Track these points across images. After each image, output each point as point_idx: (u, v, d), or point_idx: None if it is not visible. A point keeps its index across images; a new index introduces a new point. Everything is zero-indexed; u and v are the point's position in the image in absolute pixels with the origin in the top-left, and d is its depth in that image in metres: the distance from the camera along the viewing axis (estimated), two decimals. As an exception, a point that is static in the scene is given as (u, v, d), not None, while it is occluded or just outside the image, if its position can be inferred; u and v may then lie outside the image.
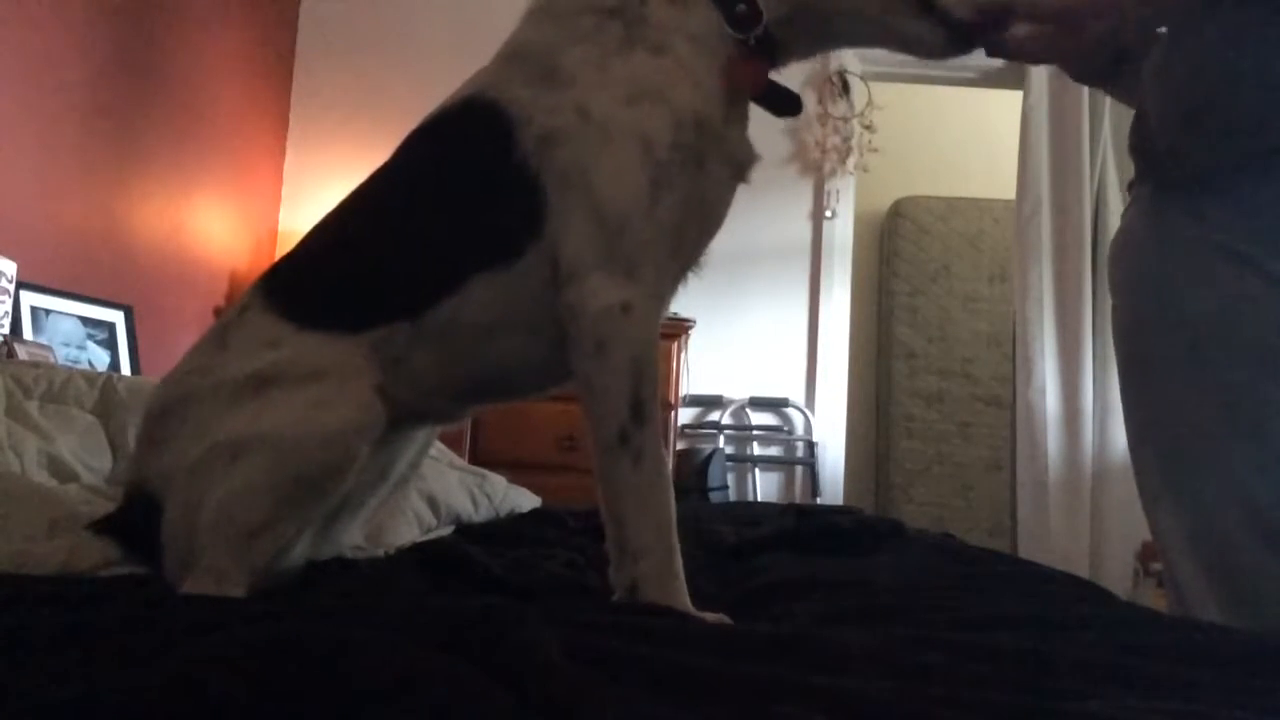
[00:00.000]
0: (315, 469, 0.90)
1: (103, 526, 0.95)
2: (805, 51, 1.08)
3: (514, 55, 1.01)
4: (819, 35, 1.07)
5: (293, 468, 0.89)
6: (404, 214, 1.00)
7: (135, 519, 0.94)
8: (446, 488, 1.69)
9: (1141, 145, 1.34)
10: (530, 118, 0.94)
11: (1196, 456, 1.22)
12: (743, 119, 1.03)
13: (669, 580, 0.92)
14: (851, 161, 3.85)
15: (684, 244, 0.98)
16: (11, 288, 2.19)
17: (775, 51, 1.02)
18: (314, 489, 0.92)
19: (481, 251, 0.95)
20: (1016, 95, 3.83)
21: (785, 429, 3.87)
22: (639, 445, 0.92)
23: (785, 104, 1.04)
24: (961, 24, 1.00)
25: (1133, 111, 1.37)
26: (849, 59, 3.80)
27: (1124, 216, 1.39)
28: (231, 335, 0.99)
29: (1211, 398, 1.21)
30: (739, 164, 1.01)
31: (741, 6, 0.97)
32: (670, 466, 1.02)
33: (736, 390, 3.80)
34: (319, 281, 1.01)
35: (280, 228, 3.85)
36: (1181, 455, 1.24)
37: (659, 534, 0.92)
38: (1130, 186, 1.41)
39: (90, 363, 2.52)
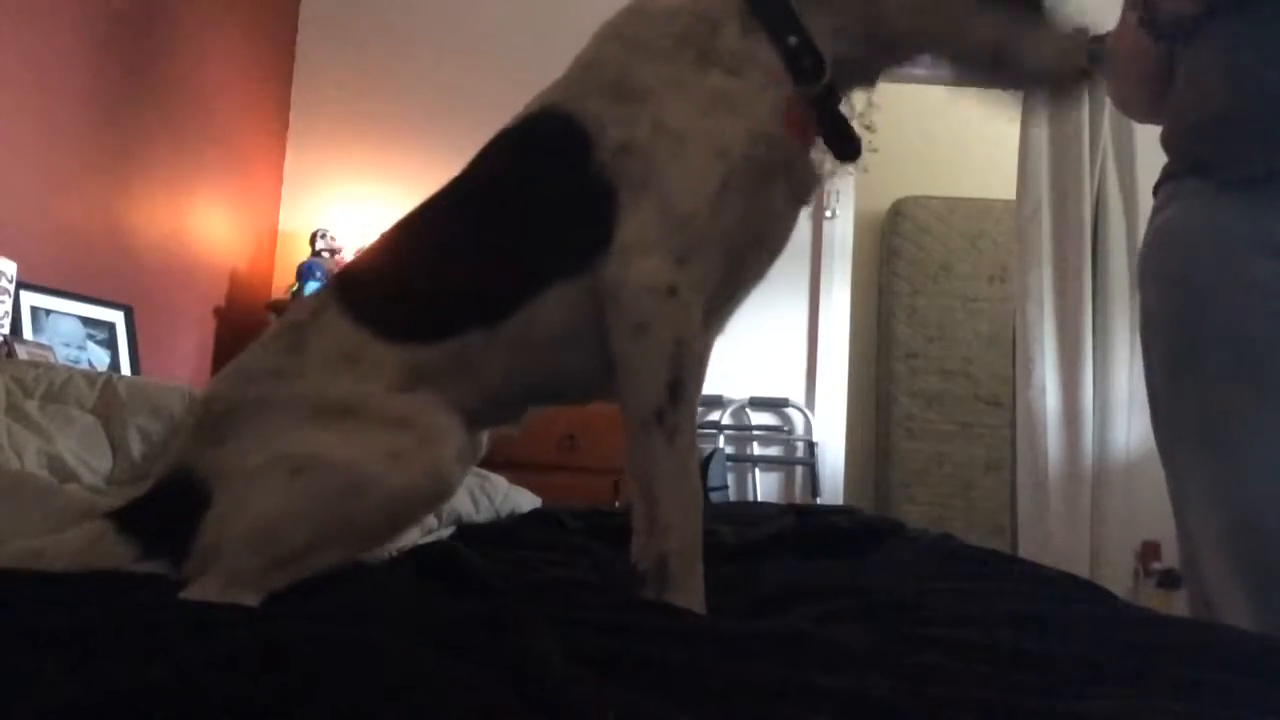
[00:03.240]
0: (373, 517, 0.90)
1: (128, 516, 0.92)
2: (873, 80, 1.11)
3: (585, 69, 1.03)
4: (890, 66, 1.10)
5: (350, 507, 0.88)
6: (484, 223, 1.01)
7: (172, 502, 0.92)
8: (446, 488, 1.69)
9: (1190, 144, 1.32)
10: (604, 129, 0.96)
11: (1241, 452, 1.21)
12: (809, 140, 1.05)
13: (694, 558, 0.95)
14: (851, 161, 3.84)
15: (739, 254, 1.00)
16: (11, 288, 2.19)
17: (840, 89, 1.04)
18: (363, 535, 0.91)
19: (560, 260, 0.97)
20: (1016, 95, 3.82)
21: (785, 429, 3.87)
22: (674, 424, 0.94)
23: (845, 148, 1.08)
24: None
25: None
26: (849, 59, 3.79)
27: (1160, 211, 1.37)
28: (308, 338, 0.98)
29: (1258, 395, 1.21)
30: (802, 185, 1.04)
31: (807, 60, 0.99)
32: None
33: (736, 390, 3.80)
34: (397, 289, 1.01)
35: (280, 228, 3.85)
36: (1224, 451, 1.23)
37: (687, 512, 0.95)
38: (1162, 183, 1.38)
39: (90, 363, 2.52)
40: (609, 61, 1.01)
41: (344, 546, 0.91)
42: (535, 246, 0.98)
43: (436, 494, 0.93)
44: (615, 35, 1.03)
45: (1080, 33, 1.00)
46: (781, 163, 0.99)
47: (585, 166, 0.96)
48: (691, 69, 0.98)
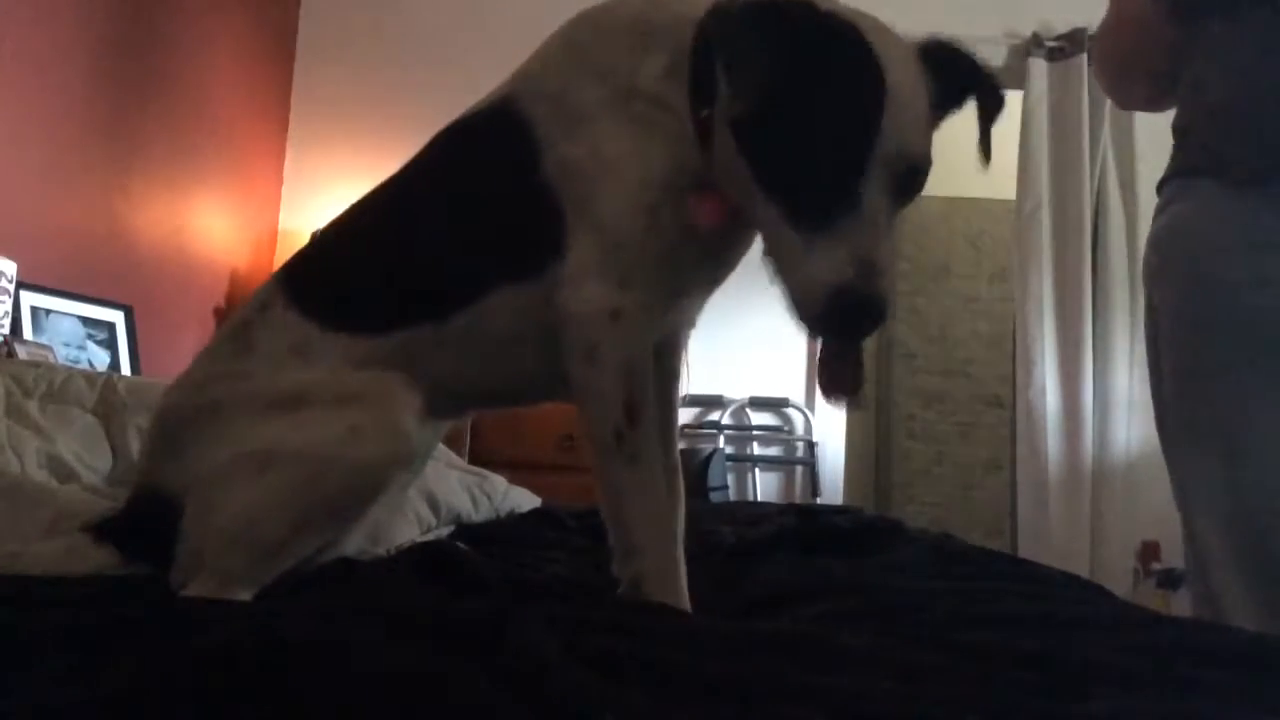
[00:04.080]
0: (345, 494, 0.91)
1: (103, 529, 0.94)
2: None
3: (542, 71, 1.01)
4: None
5: (322, 490, 0.89)
6: (435, 218, 1.01)
7: (144, 521, 0.93)
8: (446, 487, 1.69)
9: (1203, 139, 1.28)
10: (554, 142, 0.95)
11: (1251, 451, 1.20)
12: None
13: (670, 576, 0.94)
14: (851, 162, 3.84)
15: (682, 272, 0.98)
16: (11, 288, 2.19)
17: None
18: (339, 513, 0.93)
19: (508, 263, 0.97)
20: (1016, 95, 3.82)
21: (785, 429, 3.87)
22: (634, 446, 0.93)
23: None
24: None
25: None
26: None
27: (1168, 207, 1.33)
28: (256, 336, 0.98)
29: (1270, 393, 1.19)
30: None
31: (705, 112, 0.89)
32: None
33: (736, 390, 3.79)
34: (345, 281, 1.01)
35: (280, 228, 3.85)
36: (1234, 449, 1.22)
37: (657, 531, 0.94)
38: (1168, 179, 1.35)
39: (90, 363, 2.52)
40: (558, 71, 0.99)
41: (324, 527, 0.93)
42: (485, 246, 0.97)
43: (401, 458, 0.93)
44: (566, 43, 1.00)
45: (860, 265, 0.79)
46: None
47: (532, 176, 0.95)
48: (622, 95, 0.94)
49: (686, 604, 0.94)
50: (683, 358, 1.13)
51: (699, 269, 1.02)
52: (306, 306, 0.98)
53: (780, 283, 0.84)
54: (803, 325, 0.84)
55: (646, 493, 0.94)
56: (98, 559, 0.91)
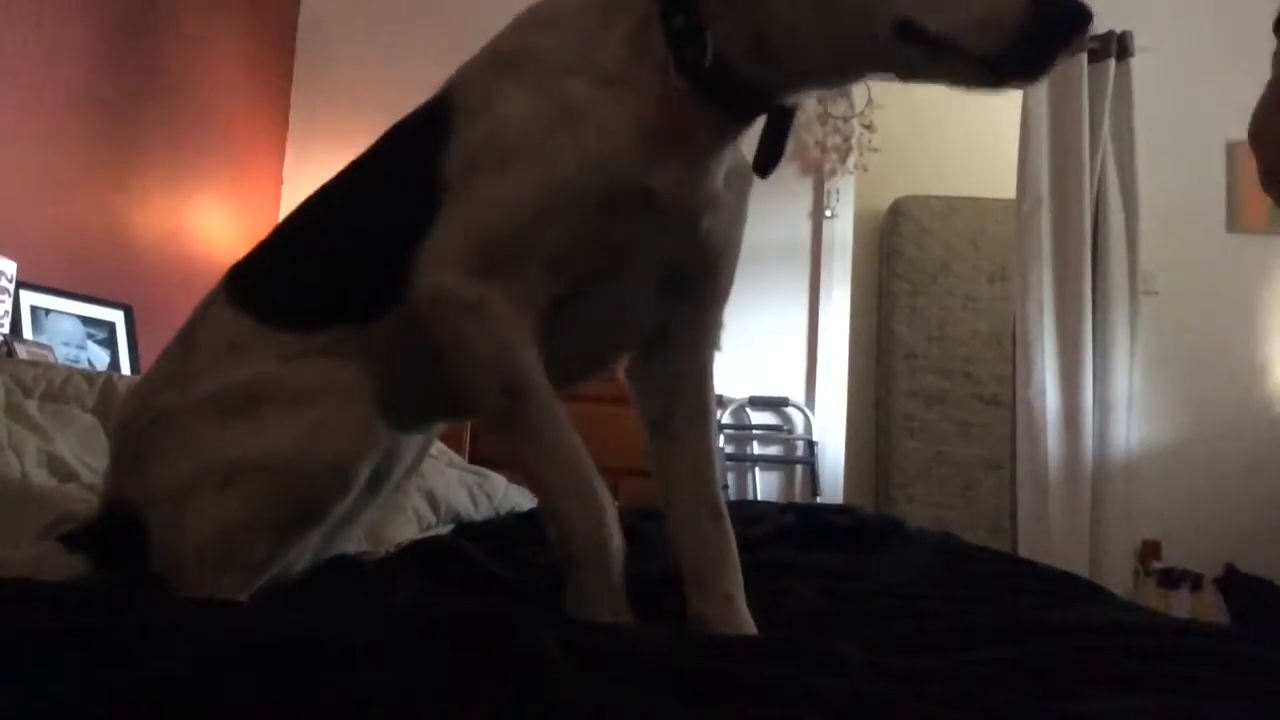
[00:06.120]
0: (318, 496, 0.88)
1: (74, 538, 0.91)
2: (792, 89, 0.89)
3: (492, 53, 0.96)
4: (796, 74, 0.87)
5: (294, 496, 0.86)
6: (356, 216, 0.95)
7: (112, 533, 0.91)
8: (446, 486, 1.69)
9: None
10: (462, 129, 0.89)
11: None
12: (698, 158, 0.88)
13: (605, 565, 0.84)
14: (851, 161, 3.85)
15: (577, 276, 0.89)
16: (11, 288, 2.19)
17: (737, 94, 0.87)
18: (315, 515, 0.90)
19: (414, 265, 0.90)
20: (1016, 95, 3.83)
21: (785, 428, 3.87)
22: (530, 420, 0.85)
23: (762, 158, 0.91)
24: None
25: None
26: (849, 59, 3.79)
27: None
28: (197, 333, 0.96)
29: None
30: (685, 212, 0.89)
31: (690, 48, 0.84)
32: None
33: (736, 390, 3.80)
34: (279, 277, 0.97)
35: (280, 227, 3.85)
36: None
37: (588, 509, 0.84)
38: None
39: (90, 362, 2.52)
40: (493, 63, 0.94)
41: (306, 530, 0.90)
42: (402, 250, 0.88)
43: (370, 450, 0.89)
44: (529, 23, 0.95)
45: None
46: (632, 196, 0.86)
47: (439, 169, 0.88)
48: (555, 76, 0.87)
49: (623, 598, 0.85)
50: (710, 384, 1.02)
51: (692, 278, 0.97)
52: (243, 302, 0.94)
53: (945, 26, 0.75)
54: (998, 53, 0.74)
55: (563, 466, 0.84)
56: (69, 566, 0.87)
